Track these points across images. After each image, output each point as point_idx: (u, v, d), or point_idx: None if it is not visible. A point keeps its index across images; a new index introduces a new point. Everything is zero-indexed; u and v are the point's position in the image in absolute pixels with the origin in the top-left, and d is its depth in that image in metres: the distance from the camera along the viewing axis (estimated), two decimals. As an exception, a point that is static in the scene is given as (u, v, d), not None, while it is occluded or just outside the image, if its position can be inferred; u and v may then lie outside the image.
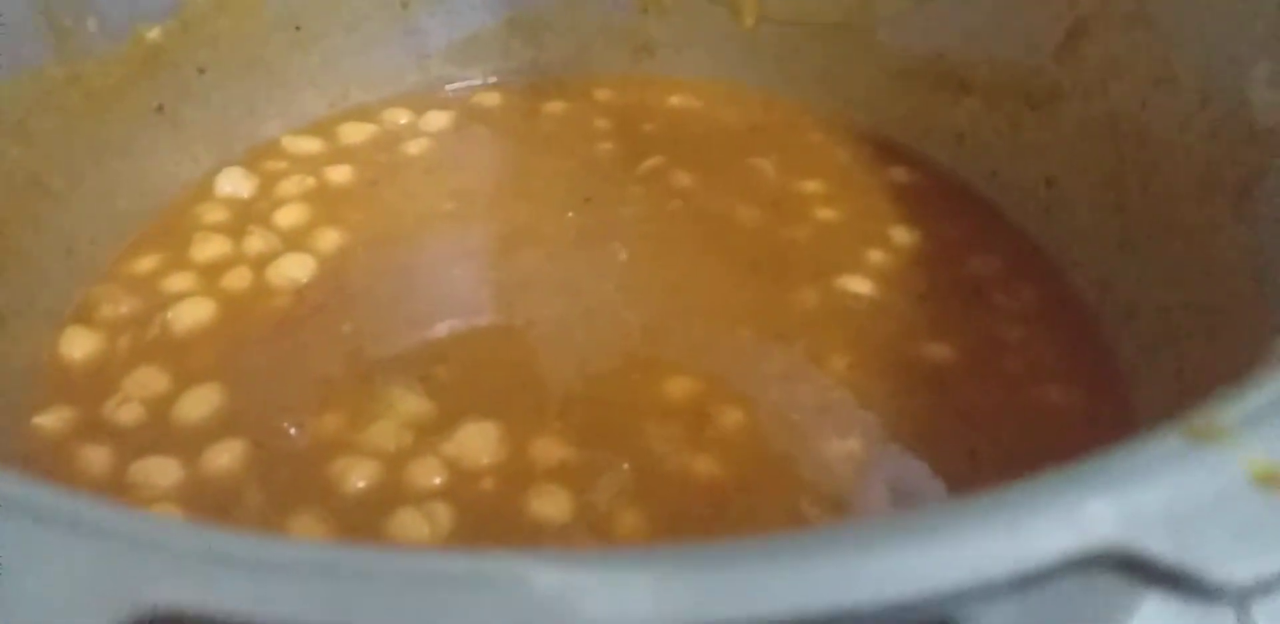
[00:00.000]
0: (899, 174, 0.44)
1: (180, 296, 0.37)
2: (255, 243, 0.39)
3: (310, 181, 0.43)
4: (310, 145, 0.45)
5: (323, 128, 0.46)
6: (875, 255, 0.39)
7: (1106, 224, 0.36)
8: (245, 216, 0.41)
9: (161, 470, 0.31)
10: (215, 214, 0.41)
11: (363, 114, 0.47)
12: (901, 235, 0.40)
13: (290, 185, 0.42)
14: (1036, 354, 0.36)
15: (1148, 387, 0.33)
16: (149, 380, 0.34)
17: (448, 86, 0.49)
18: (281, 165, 0.44)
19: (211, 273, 0.38)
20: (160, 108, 0.40)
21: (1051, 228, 0.39)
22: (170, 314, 0.36)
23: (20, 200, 0.34)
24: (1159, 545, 0.14)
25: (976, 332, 0.36)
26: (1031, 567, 0.13)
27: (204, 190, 0.42)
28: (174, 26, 0.39)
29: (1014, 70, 0.39)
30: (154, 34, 0.39)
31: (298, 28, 0.44)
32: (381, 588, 0.12)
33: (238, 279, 0.38)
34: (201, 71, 0.41)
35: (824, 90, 0.47)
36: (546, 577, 0.13)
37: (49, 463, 0.31)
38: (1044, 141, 0.39)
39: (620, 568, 0.13)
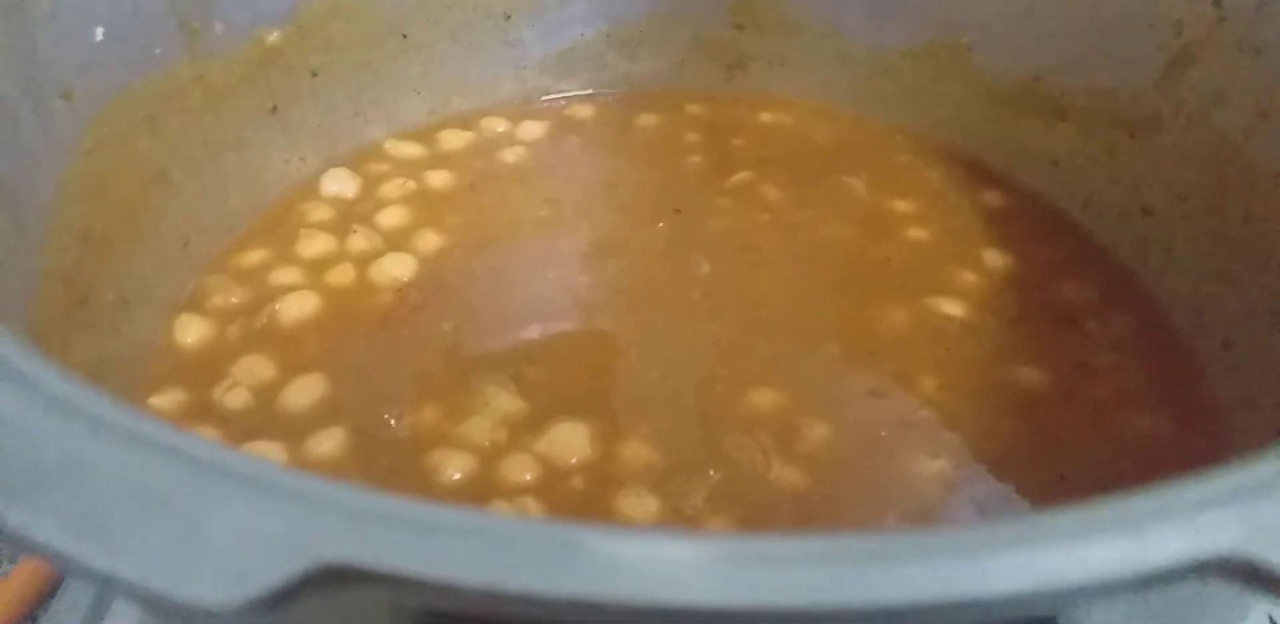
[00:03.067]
0: (991, 197, 0.44)
1: (287, 290, 0.38)
2: (359, 241, 0.41)
3: (411, 185, 0.44)
4: (412, 150, 0.46)
5: (424, 134, 0.47)
6: (967, 277, 0.39)
7: (1205, 254, 0.36)
8: (349, 216, 0.42)
9: (267, 455, 0.32)
10: (320, 212, 0.43)
11: (462, 122, 0.48)
12: (993, 258, 0.40)
13: (392, 188, 0.44)
14: (1128, 382, 0.35)
15: (1243, 418, 0.33)
16: (256, 368, 0.35)
17: (543, 97, 0.50)
18: (384, 168, 0.45)
19: (317, 268, 0.40)
20: (274, 108, 0.42)
21: (1147, 256, 0.39)
22: (278, 306, 0.37)
23: (146, 191, 0.36)
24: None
25: (1067, 357, 0.36)
26: (1150, 569, 0.14)
27: (310, 189, 0.44)
28: (291, 31, 0.41)
29: (1113, 97, 0.39)
30: (273, 38, 0.40)
31: (404, 35, 0.46)
32: (525, 552, 0.13)
33: (341, 275, 0.39)
34: (314, 75, 0.43)
35: (915, 110, 0.47)
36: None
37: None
38: (1141, 169, 0.39)
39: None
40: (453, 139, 0.47)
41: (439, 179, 0.45)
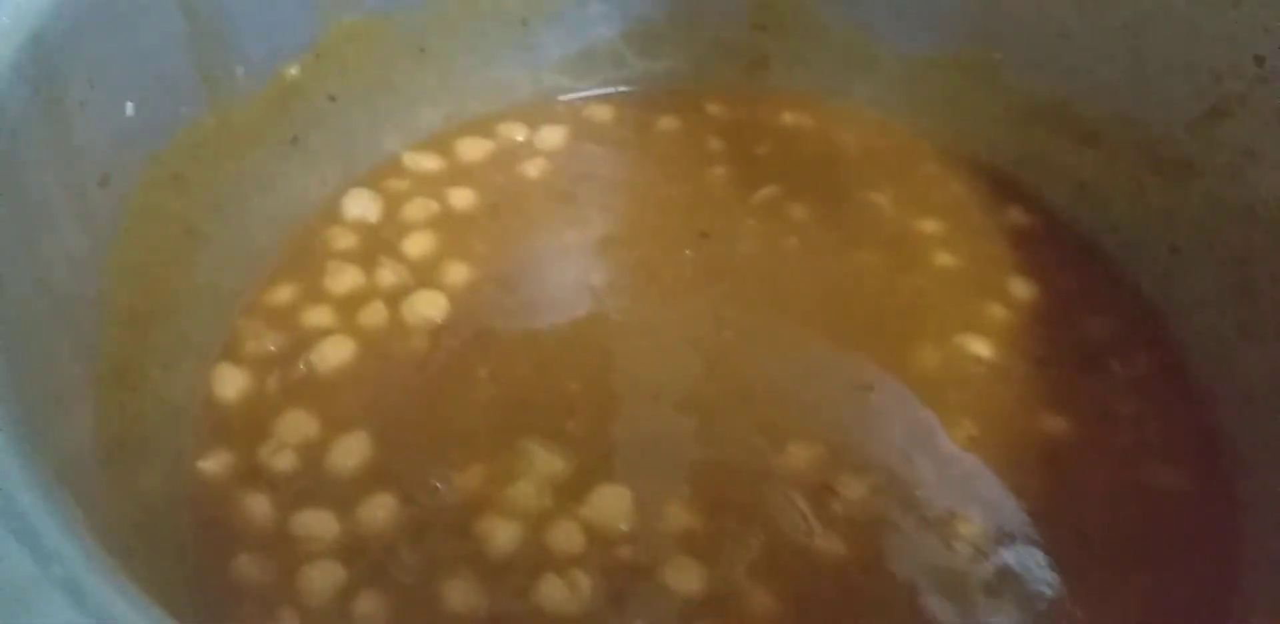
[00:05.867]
0: (1016, 214, 0.44)
1: (320, 333, 0.38)
2: (386, 275, 0.41)
3: (434, 206, 0.43)
4: (430, 163, 0.46)
5: (441, 142, 0.47)
6: (995, 311, 0.40)
7: (1230, 305, 0.36)
8: (374, 242, 0.42)
9: (321, 524, 0.33)
10: (344, 240, 0.42)
11: (479, 128, 0.47)
12: (1020, 288, 0.41)
13: (415, 209, 0.43)
14: (1148, 430, 0.37)
15: (1259, 474, 0.34)
16: (299, 425, 0.36)
17: (561, 97, 0.49)
18: (404, 185, 0.45)
19: (347, 307, 0.39)
20: (294, 139, 0.41)
21: (1172, 294, 0.39)
22: (314, 356, 0.38)
23: (176, 248, 0.35)
24: None
25: (1092, 402, 0.37)
26: None
27: (332, 213, 0.43)
28: (309, 60, 0.40)
29: (1145, 132, 0.39)
30: (293, 70, 0.39)
31: (422, 50, 0.44)
32: None
33: (374, 315, 0.39)
34: (332, 99, 0.42)
35: (942, 118, 0.47)
36: None
37: (214, 510, 0.34)
38: (1170, 207, 0.39)
39: None
40: (471, 149, 0.46)
41: (461, 199, 0.44)
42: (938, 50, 0.45)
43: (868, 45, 0.47)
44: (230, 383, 0.37)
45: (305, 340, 0.38)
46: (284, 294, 0.40)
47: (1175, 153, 0.38)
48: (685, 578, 0.32)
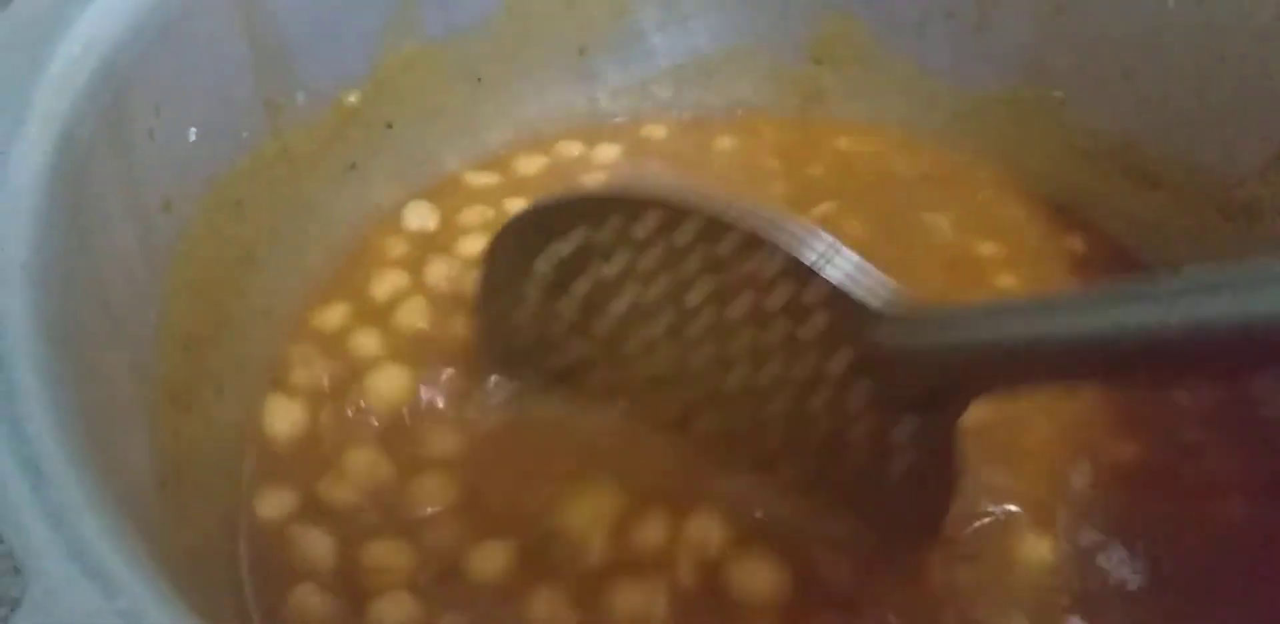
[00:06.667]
0: (1076, 243, 0.43)
1: (370, 362, 0.38)
2: (439, 268, 0.41)
3: (490, 213, 0.43)
4: (488, 178, 0.46)
5: (500, 160, 0.47)
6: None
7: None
8: (428, 247, 0.42)
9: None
10: (399, 248, 0.42)
11: (536, 145, 0.47)
12: (1084, 314, 0.40)
13: (472, 215, 0.43)
14: (1215, 462, 0.35)
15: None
16: (364, 461, 0.35)
17: (615, 118, 0.49)
18: (459, 202, 0.44)
19: (396, 336, 0.39)
20: (353, 166, 0.41)
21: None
22: (367, 383, 0.37)
23: (232, 273, 0.35)
24: None
25: (1157, 432, 0.36)
26: None
27: (389, 225, 0.43)
28: (369, 87, 0.40)
29: (1210, 174, 0.38)
30: (353, 98, 0.40)
31: (479, 79, 0.45)
32: None
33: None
34: (389, 126, 0.42)
35: (1000, 153, 0.46)
36: None
37: (270, 547, 0.33)
38: (1237, 251, 0.38)
39: None
40: (528, 164, 0.47)
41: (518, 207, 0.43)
42: (997, 85, 0.45)
43: (927, 81, 0.46)
44: (282, 416, 0.36)
45: (356, 370, 0.38)
46: (334, 316, 0.40)
47: (1241, 196, 0.37)
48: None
